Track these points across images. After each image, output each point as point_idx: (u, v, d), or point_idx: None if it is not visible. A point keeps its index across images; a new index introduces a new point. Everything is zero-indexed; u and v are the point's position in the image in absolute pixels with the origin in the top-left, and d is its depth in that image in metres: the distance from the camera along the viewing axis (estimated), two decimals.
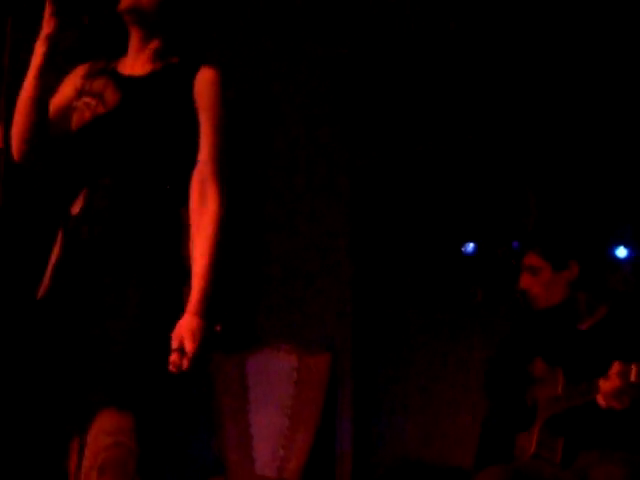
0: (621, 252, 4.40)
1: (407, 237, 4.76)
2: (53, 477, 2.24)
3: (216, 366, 4.58)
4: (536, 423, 3.11)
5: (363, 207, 4.84)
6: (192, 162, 2.18)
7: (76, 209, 2.22)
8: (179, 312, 2.09)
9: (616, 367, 2.88)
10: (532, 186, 4.58)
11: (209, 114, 2.19)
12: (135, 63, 2.29)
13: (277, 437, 4.53)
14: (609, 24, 4.28)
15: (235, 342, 4.47)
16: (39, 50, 2.18)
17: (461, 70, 4.62)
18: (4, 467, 3.02)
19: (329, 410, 4.58)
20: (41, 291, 2.22)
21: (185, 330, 2.06)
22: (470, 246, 4.65)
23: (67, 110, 2.28)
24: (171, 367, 2.03)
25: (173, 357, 2.03)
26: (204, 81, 2.21)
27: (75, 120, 2.26)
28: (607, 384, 2.89)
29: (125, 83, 2.26)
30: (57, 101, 2.28)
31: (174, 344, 2.05)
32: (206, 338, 2.06)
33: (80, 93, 2.28)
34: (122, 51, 2.33)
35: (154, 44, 2.27)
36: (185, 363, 2.03)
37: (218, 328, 2.16)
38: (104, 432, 2.03)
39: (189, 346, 2.04)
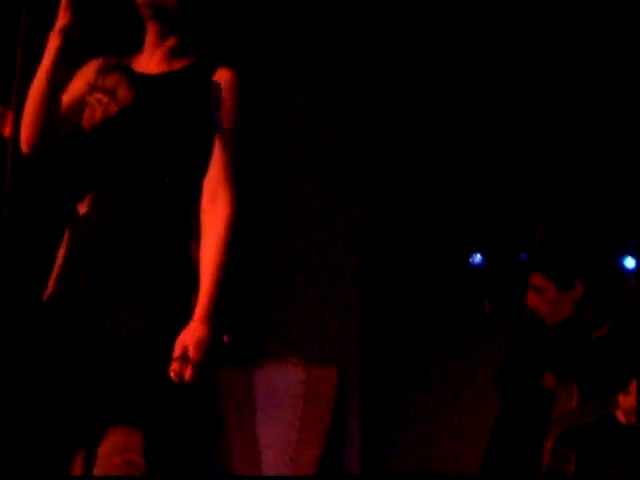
0: (629, 263, 4.39)
1: (414, 249, 4.75)
2: None
3: (222, 379, 4.55)
4: (549, 436, 3.09)
5: (371, 220, 4.83)
6: (204, 165, 2.12)
7: (84, 209, 2.17)
8: (187, 319, 2.02)
9: (635, 383, 2.87)
10: (538, 197, 4.57)
11: (225, 116, 2.13)
12: (150, 60, 2.23)
13: (284, 451, 4.50)
14: (615, 27, 4.27)
15: (242, 355, 4.44)
16: (53, 43, 2.12)
17: (470, 78, 4.61)
18: (7, 476, 2.98)
19: (337, 423, 4.55)
20: (46, 293, 2.16)
21: (190, 338, 1.98)
22: (477, 258, 4.64)
23: (78, 105, 2.21)
24: (173, 376, 1.95)
25: (175, 366, 1.96)
26: (221, 82, 2.15)
27: (86, 116, 2.20)
28: (627, 400, 2.88)
29: (139, 81, 2.20)
30: (69, 95, 2.22)
31: (176, 352, 1.97)
32: (213, 348, 1.99)
33: (92, 88, 2.22)
34: (136, 47, 2.26)
35: (171, 41, 2.21)
36: (188, 373, 1.95)
37: (226, 339, 2.07)
38: (114, 450, 1.99)
39: (194, 355, 1.96)
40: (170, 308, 2.06)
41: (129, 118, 2.15)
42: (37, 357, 2.09)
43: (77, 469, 2.11)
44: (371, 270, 4.80)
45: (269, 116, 4.71)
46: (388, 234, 4.82)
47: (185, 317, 2.03)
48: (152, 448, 2.01)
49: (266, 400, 4.58)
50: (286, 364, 4.59)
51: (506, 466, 3.20)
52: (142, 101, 2.17)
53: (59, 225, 2.24)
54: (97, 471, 2.02)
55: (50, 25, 2.13)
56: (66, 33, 2.11)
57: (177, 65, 2.21)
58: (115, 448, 1.99)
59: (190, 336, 1.98)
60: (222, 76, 2.16)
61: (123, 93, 2.18)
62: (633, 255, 4.38)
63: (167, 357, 1.98)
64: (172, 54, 2.21)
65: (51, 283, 2.16)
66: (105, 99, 2.19)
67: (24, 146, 2.17)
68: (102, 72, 2.24)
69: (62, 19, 2.11)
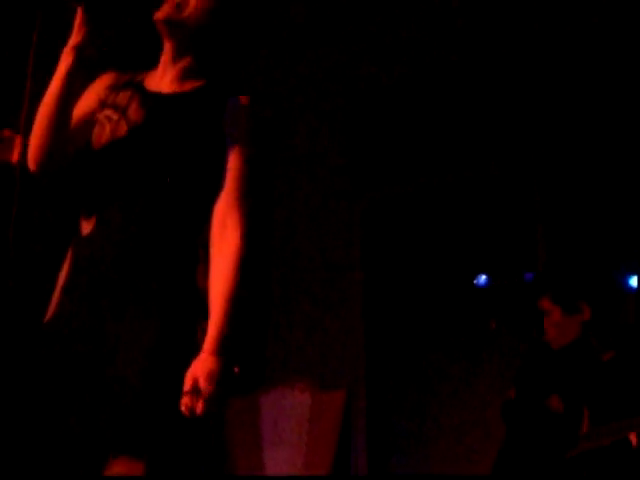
0: (634, 282, 4.38)
1: (420, 271, 4.75)
2: None
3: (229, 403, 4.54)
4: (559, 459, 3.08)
5: (375, 242, 4.83)
6: (214, 189, 2.07)
7: (87, 230, 2.10)
8: (194, 350, 1.96)
9: None
10: (542, 218, 4.57)
11: (238, 143, 2.08)
12: (163, 79, 2.19)
13: (292, 475, 4.49)
14: (615, 28, 4.27)
15: (246, 384, 4.41)
16: (66, 60, 2.09)
17: (473, 99, 4.62)
18: None
19: (343, 447, 4.54)
20: (48, 314, 2.10)
21: (201, 370, 1.91)
22: (482, 278, 4.65)
23: (88, 120, 2.17)
24: (184, 410, 1.89)
25: (186, 400, 1.88)
26: (235, 109, 2.11)
27: (95, 133, 2.16)
28: None
29: (151, 100, 2.16)
30: (79, 109, 2.18)
31: (187, 386, 1.90)
32: (223, 380, 1.91)
33: (103, 104, 2.18)
34: (151, 64, 2.22)
35: (184, 62, 2.18)
36: (200, 406, 1.88)
37: (236, 370, 1.99)
38: None
39: (205, 388, 1.89)
40: (177, 337, 2.00)
41: (138, 138, 2.11)
42: (35, 381, 2.02)
43: None
44: (377, 292, 4.79)
45: (279, 141, 4.71)
46: (393, 257, 4.83)
47: (193, 348, 1.97)
48: (157, 478, 1.95)
49: (273, 424, 4.57)
50: (292, 388, 4.58)
51: None
52: (152, 121, 2.12)
53: (63, 246, 2.18)
54: None
55: (60, 45, 2.10)
56: (79, 51, 2.08)
57: (188, 86, 2.18)
58: (117, 479, 1.93)
59: (200, 368, 1.92)
60: (237, 103, 2.12)
61: (134, 112, 2.14)
62: (637, 273, 4.37)
63: (173, 389, 1.92)
64: (184, 74, 2.18)
65: (53, 303, 2.11)
66: (115, 116, 2.15)
67: (31, 163, 2.13)
68: (114, 89, 2.21)
69: (76, 36, 2.08)
